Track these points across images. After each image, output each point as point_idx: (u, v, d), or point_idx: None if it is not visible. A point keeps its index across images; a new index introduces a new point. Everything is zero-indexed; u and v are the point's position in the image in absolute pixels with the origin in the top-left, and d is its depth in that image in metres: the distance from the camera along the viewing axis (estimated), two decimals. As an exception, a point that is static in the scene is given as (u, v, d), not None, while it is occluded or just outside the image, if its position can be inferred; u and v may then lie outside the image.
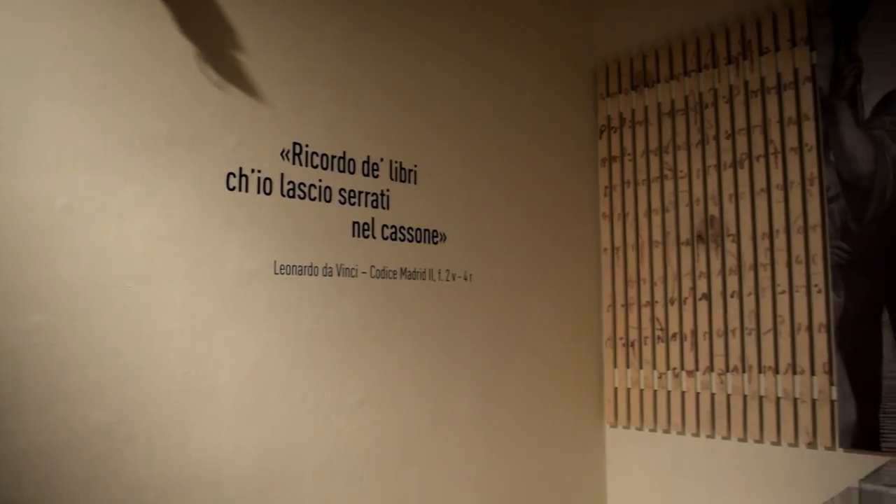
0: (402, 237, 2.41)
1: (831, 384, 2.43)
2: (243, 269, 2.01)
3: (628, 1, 3.17)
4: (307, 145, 2.18)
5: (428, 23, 2.59)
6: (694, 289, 2.81)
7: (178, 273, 1.88)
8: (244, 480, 1.95)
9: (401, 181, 2.43)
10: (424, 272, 2.47)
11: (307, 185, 2.17)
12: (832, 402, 2.43)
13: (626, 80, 3.10)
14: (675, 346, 2.85)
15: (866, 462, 2.27)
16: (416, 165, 2.47)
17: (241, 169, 2.02)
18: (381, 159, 2.37)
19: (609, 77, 3.17)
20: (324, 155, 2.22)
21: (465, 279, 2.60)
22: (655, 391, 2.90)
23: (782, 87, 2.63)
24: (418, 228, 2.46)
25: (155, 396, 1.80)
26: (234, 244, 1.99)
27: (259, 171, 2.06)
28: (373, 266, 2.32)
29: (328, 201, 2.22)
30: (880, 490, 1.98)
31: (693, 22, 2.93)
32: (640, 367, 2.95)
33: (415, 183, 2.47)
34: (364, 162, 2.32)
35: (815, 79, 2.55)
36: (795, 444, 2.52)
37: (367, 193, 2.32)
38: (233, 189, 2.00)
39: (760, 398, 2.60)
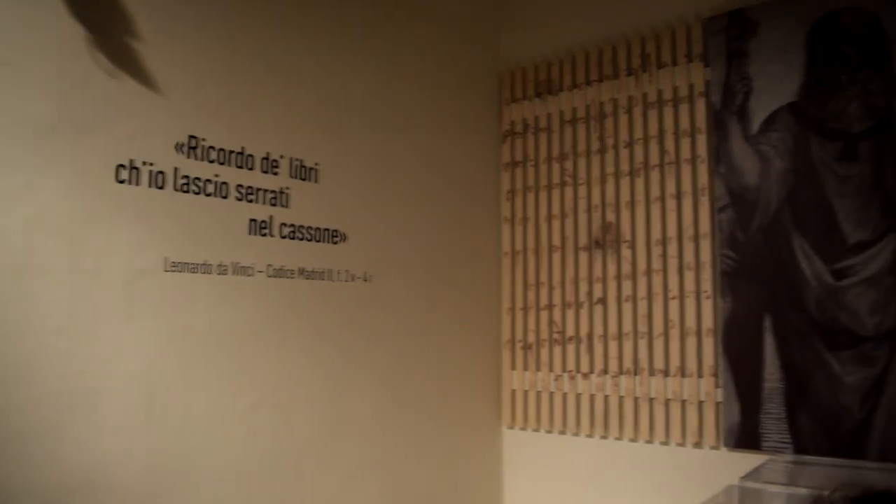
0: (301, 236, 2.35)
1: (717, 386, 2.52)
2: (132, 265, 1.91)
3: (534, 10, 3.21)
4: (204, 139, 2.10)
5: (334, 19, 2.54)
6: (590, 293, 2.87)
7: (60, 269, 1.76)
8: (129, 488, 1.85)
9: (301, 179, 2.37)
10: (323, 272, 2.42)
11: (203, 180, 2.09)
12: (717, 404, 2.52)
13: (530, 87, 3.14)
14: (571, 348, 2.90)
15: (748, 461, 2.35)
16: (317, 164, 2.42)
17: (131, 161, 1.92)
18: (282, 156, 2.31)
19: (514, 83, 3.19)
20: (221, 150, 2.14)
21: (365, 280, 2.57)
22: (552, 393, 2.94)
23: (678, 101, 2.72)
24: (318, 228, 2.41)
25: (30, 400, 1.69)
26: (123, 240, 1.89)
27: (151, 165, 1.96)
28: (270, 265, 2.25)
29: (224, 198, 2.14)
30: (760, 487, 2.08)
31: (596, 34, 2.98)
32: (538, 370, 2.98)
33: (316, 181, 2.42)
34: (263, 158, 2.25)
35: (708, 94, 2.64)
36: (683, 444, 2.60)
37: (265, 191, 2.25)
38: (122, 182, 1.90)
39: (651, 400, 2.67)
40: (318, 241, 2.41)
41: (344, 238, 2.50)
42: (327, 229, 2.44)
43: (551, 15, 3.15)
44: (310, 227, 2.39)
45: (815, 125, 2.41)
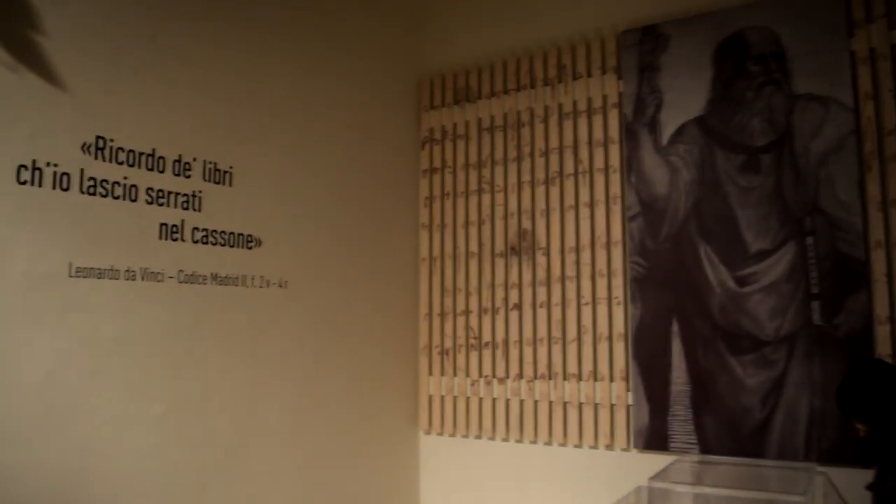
0: (213, 241, 2.29)
1: (628, 390, 2.59)
2: (34, 270, 1.81)
3: (454, 18, 3.23)
4: (112, 140, 2.01)
5: (252, 21, 2.49)
6: (506, 299, 2.90)
7: (-46, 274, 1.68)
8: (27, 503, 1.78)
9: (215, 182, 2.31)
10: (237, 278, 2.36)
11: (111, 182, 2.00)
12: (628, 407, 2.59)
13: (449, 94, 3.15)
14: (487, 354, 2.92)
15: (657, 461, 2.43)
16: (231, 167, 2.36)
17: (34, 162, 1.82)
18: (194, 159, 2.25)
19: (433, 90, 3.21)
20: (130, 151, 2.06)
21: (280, 286, 2.52)
22: (468, 398, 2.96)
23: (592, 112, 2.78)
24: (232, 232, 2.35)
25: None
26: (24, 243, 1.79)
27: (56, 166, 1.87)
28: (181, 271, 2.18)
29: (134, 201, 2.06)
30: (667, 487, 2.14)
31: (514, 44, 3.03)
32: (454, 375, 3.00)
33: (230, 185, 2.36)
34: (175, 161, 2.18)
35: (621, 106, 2.72)
36: (596, 447, 2.66)
37: (177, 194, 2.18)
38: (24, 183, 1.80)
39: (565, 404, 2.72)
40: (232, 245, 2.36)
41: (259, 243, 2.45)
42: (241, 234, 2.39)
43: (471, 24, 3.18)
44: (223, 232, 2.33)
45: (721, 138, 2.51)
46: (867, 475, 1.96)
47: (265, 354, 2.46)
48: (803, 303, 2.32)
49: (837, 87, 2.34)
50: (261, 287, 2.45)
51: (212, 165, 2.31)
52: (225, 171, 2.35)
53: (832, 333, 2.27)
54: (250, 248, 2.42)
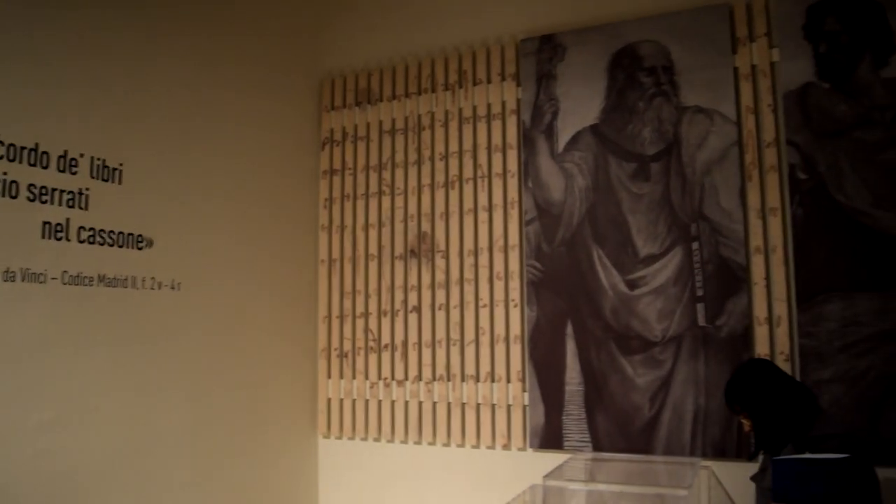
0: (101, 241, 2.17)
1: (524, 391, 2.63)
2: None
3: (357, 19, 3.19)
4: (-10, 132, 1.91)
5: (146, 13, 2.38)
6: (405, 301, 2.89)
7: None
8: None
9: (103, 180, 2.19)
10: (126, 279, 2.24)
11: (-12, 177, 1.90)
12: (524, 407, 2.63)
13: (350, 95, 3.12)
14: (386, 356, 2.90)
15: (553, 460, 2.46)
16: (121, 164, 2.25)
17: None
18: (81, 155, 2.12)
19: (334, 91, 3.16)
20: (11, 145, 1.92)
21: (173, 288, 2.42)
22: (367, 401, 2.93)
23: (491, 117, 2.82)
24: (121, 232, 2.24)
25: None
26: None
27: (-76, 158, 1.77)
28: (65, 272, 2.05)
29: (14, 197, 1.92)
30: (561, 485, 2.19)
31: (416, 48, 3.02)
32: (353, 378, 2.96)
33: (119, 183, 2.24)
34: (60, 157, 2.06)
35: (519, 112, 2.76)
36: (493, 447, 2.68)
37: (61, 191, 2.06)
38: None
39: (463, 405, 2.74)
40: (121, 246, 2.24)
41: (150, 243, 2.34)
42: (131, 234, 2.27)
43: (374, 26, 3.15)
44: (112, 232, 2.21)
45: (614, 147, 2.58)
46: (749, 468, 2.08)
47: (157, 359, 2.35)
48: (689, 305, 2.42)
49: (722, 100, 2.46)
50: (152, 289, 2.35)
51: (100, 162, 2.19)
52: (114, 169, 2.24)
53: (715, 334, 2.38)
54: (141, 249, 2.32)
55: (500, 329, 2.71)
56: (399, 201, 2.96)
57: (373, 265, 2.99)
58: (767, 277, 2.35)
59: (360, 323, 2.99)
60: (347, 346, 3.01)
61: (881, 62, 2.27)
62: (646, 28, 2.59)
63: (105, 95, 2.24)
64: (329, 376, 3.04)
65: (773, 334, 2.33)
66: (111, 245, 2.22)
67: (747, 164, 2.41)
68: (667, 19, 2.56)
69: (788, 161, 2.35)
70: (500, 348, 2.70)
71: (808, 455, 1.69)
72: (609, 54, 2.63)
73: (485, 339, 2.73)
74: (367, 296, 2.98)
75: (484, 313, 2.74)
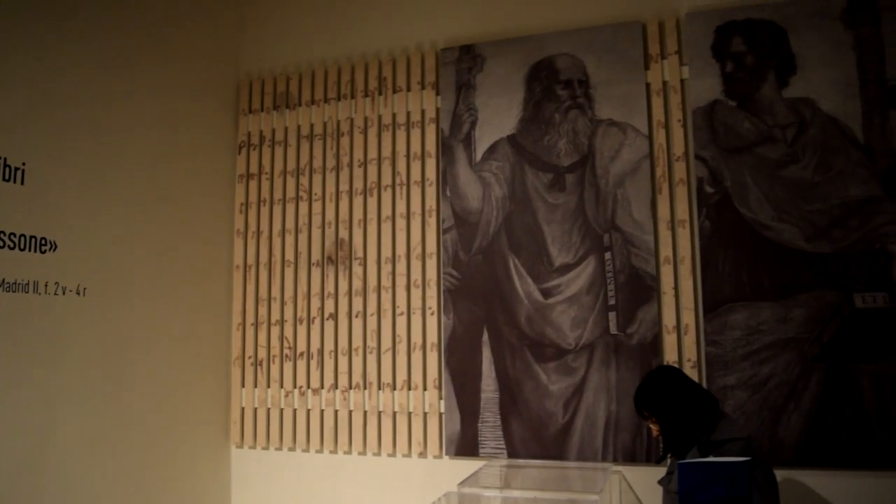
0: (1, 244, 2.05)
1: (440, 398, 2.63)
2: None
3: (277, 21, 3.14)
4: None
5: (55, 8, 2.27)
6: (322, 308, 2.84)
7: None
8: None
9: (3, 180, 2.07)
10: (28, 284, 2.12)
11: None
12: (441, 415, 2.62)
13: (269, 98, 3.06)
14: (302, 364, 2.85)
15: (470, 467, 2.47)
16: (24, 163, 2.13)
17: None
18: (-22, 152, 2.02)
19: (252, 94, 3.10)
20: None
21: (79, 293, 2.31)
22: (282, 410, 2.87)
23: (410, 125, 2.81)
24: (22, 234, 2.12)
25: None
26: None
27: None
28: (-41, 276, 1.97)
29: None
30: (476, 492, 2.21)
31: (337, 53, 2.99)
32: (268, 387, 2.90)
33: (21, 183, 2.12)
34: (-46, 154, 1.97)
35: (438, 121, 2.76)
36: (409, 455, 2.66)
37: (-45, 190, 1.97)
38: None
39: (379, 413, 2.71)
40: (23, 249, 2.11)
41: (53, 247, 2.22)
42: (34, 237, 2.15)
43: (294, 29, 3.10)
44: (12, 234, 2.08)
45: (530, 157, 2.61)
46: (658, 472, 2.13)
47: (61, 367, 2.23)
48: (601, 313, 2.47)
49: (634, 115, 2.52)
50: (56, 294, 2.24)
51: (0, 161, 2.11)
52: (16, 168, 2.11)
53: (626, 342, 2.43)
54: (44, 252, 2.20)
55: (416, 337, 2.69)
56: (317, 207, 2.91)
57: (289, 272, 2.93)
58: (676, 287, 2.41)
59: (275, 330, 2.93)
60: (262, 354, 2.94)
61: (783, 83, 2.37)
62: (563, 42, 2.63)
63: (7, 92, 2.11)
64: (243, 385, 2.96)
65: (681, 342, 2.39)
66: (12, 248, 2.09)
67: (658, 177, 2.47)
68: (583, 34, 2.61)
69: (696, 175, 2.42)
70: (416, 356, 2.69)
71: (711, 458, 1.75)
72: (527, 66, 2.67)
73: (401, 347, 2.71)
74: (282, 303, 2.93)
75: (401, 321, 2.72)
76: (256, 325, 2.96)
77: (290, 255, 2.94)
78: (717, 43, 2.46)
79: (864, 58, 2.32)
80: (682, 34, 2.52)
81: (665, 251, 2.45)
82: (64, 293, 2.28)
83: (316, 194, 2.93)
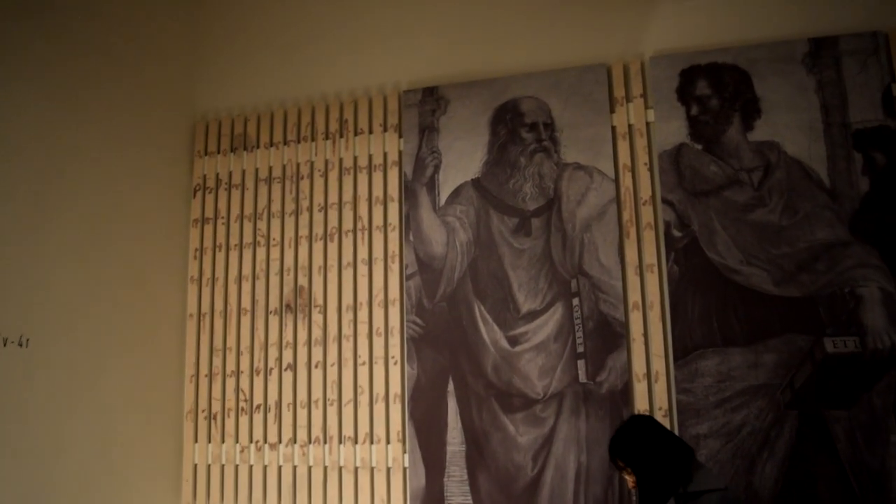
0: None
1: (404, 452, 2.55)
2: None
3: (234, 60, 3.11)
4: None
5: (3, 47, 2.23)
6: (280, 359, 2.76)
7: None
8: None
9: None
10: None
11: None
12: (405, 470, 2.53)
13: (225, 140, 3.01)
14: (258, 418, 2.75)
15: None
16: None
17: None
18: None
19: (208, 135, 3.04)
20: None
21: (20, 345, 2.20)
22: (237, 466, 2.75)
23: (372, 168, 2.77)
24: (-42, 284, 2.03)
25: None
26: None
27: None
28: None
29: None
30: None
31: (296, 93, 2.97)
32: (223, 442, 2.78)
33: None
34: None
35: (401, 164, 2.74)
36: (371, 513, 2.55)
37: None
38: None
39: (340, 468, 2.62)
40: None
41: (-9, 297, 2.13)
42: None
43: (252, 68, 3.07)
44: None
45: (495, 201, 2.60)
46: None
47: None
48: (570, 361, 2.43)
49: (600, 158, 2.52)
50: (-5, 346, 2.16)
51: (-66, 209, 2.01)
52: (-48, 215, 2.06)
53: (596, 390, 2.38)
54: (-18, 303, 2.13)
55: (379, 388, 2.62)
56: (275, 253, 2.85)
57: (245, 320, 2.85)
58: (646, 333, 2.39)
59: (230, 382, 2.83)
60: (216, 407, 2.84)
61: (748, 126, 2.40)
62: (528, 84, 2.64)
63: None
64: (196, 440, 2.84)
65: (652, 390, 2.36)
66: (-54, 298, 2.02)
67: (625, 221, 2.47)
68: (548, 76, 2.63)
69: (664, 219, 2.43)
70: (379, 408, 2.61)
71: (688, 511, 1.72)
72: (492, 109, 2.67)
73: (363, 399, 2.63)
74: (238, 353, 2.83)
75: (363, 371, 2.65)
76: (211, 376, 2.87)
77: (246, 303, 2.86)
78: (681, 86, 2.48)
79: (827, 101, 2.35)
80: (646, 77, 2.55)
81: (634, 297, 2.43)
82: (5, 344, 2.17)
83: (274, 239, 2.86)
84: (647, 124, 2.53)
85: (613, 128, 2.56)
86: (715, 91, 2.45)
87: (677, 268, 2.39)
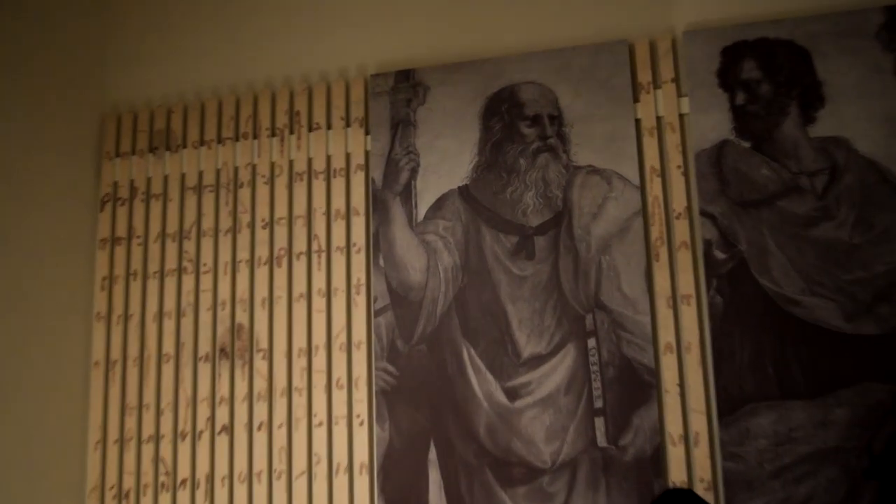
0: None
1: (372, 539, 2.47)
2: None
3: (155, 37, 3.10)
4: None
5: None
6: (213, 419, 2.72)
7: None
8: None
9: None
10: None
11: None
12: (373, 564, 2.46)
13: (143, 138, 2.98)
14: (184, 495, 2.70)
15: None
16: None
17: None
18: None
19: (121, 132, 3.01)
20: None
21: None
22: (155, 560, 2.67)
23: (332, 174, 2.75)
24: None
25: None
26: None
27: None
28: None
29: None
30: None
31: (235, 78, 2.95)
32: (136, 528, 2.71)
33: None
34: None
35: (368, 168, 2.72)
36: None
37: None
38: None
39: (289, 562, 2.54)
40: None
41: None
42: None
43: (178, 47, 3.05)
44: None
45: (489, 215, 2.58)
46: None
47: None
48: (585, 420, 2.40)
49: (621, 160, 2.51)
50: None
51: None
52: None
53: (619, 457, 2.35)
54: None
55: (340, 455, 2.58)
56: (206, 282, 2.82)
57: (167, 369, 2.80)
58: (682, 383, 2.36)
59: (147, 450, 2.77)
60: (129, 482, 2.76)
61: (809, 118, 2.39)
62: (529, 67, 2.64)
63: None
64: (104, 528, 2.77)
65: (691, 456, 2.33)
66: None
67: (654, 240, 2.45)
68: (555, 57, 2.62)
69: (703, 236, 2.41)
70: (340, 481, 2.57)
71: None
72: (483, 98, 2.66)
73: (320, 470, 2.59)
74: (158, 412, 2.78)
75: (319, 434, 2.61)
76: (122, 442, 2.81)
77: (168, 347, 2.82)
78: (724, 68, 2.48)
79: (909, 86, 2.33)
80: (679, 57, 2.54)
81: (666, 336, 2.41)
82: None
83: (205, 265, 2.83)
84: (681, 116, 2.52)
85: (638, 121, 2.55)
86: (766, 74, 2.45)
87: (721, 299, 2.37)
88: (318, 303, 2.71)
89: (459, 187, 2.65)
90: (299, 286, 2.74)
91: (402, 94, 2.74)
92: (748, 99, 2.46)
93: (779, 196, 2.39)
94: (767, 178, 2.41)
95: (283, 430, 2.67)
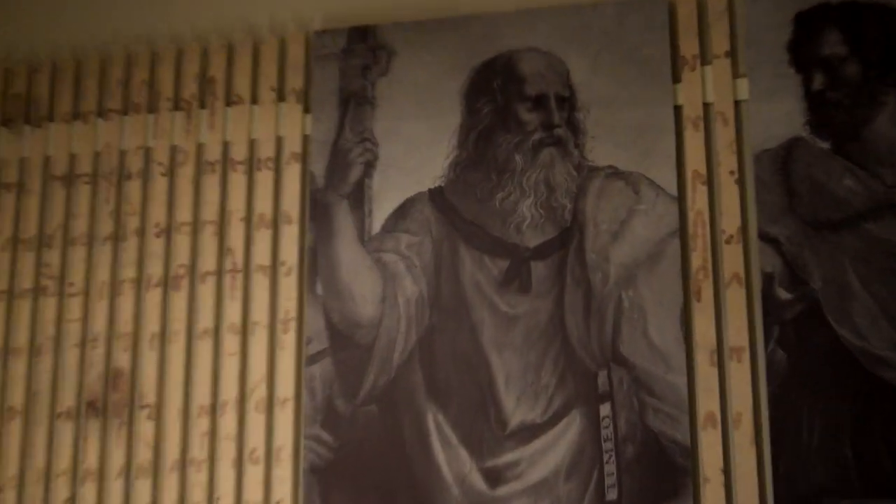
0: None
1: None
2: None
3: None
4: None
5: None
6: (73, 501, 2.62)
7: None
8: None
9: None
10: None
11: None
12: None
13: (-4, 107, 2.86)
14: None
15: None
16: None
17: None
18: None
19: (-36, 100, 2.88)
20: None
21: None
22: None
23: (255, 164, 2.69)
24: None
25: None
26: None
27: None
28: None
29: None
30: None
31: (124, 30, 2.90)
32: None
33: None
34: None
35: (306, 159, 2.65)
36: None
37: None
38: None
39: None
40: None
41: None
42: None
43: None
44: None
45: (470, 229, 2.52)
46: None
47: None
48: (595, 516, 2.29)
49: (654, 159, 2.45)
50: None
51: None
52: None
53: (640, 568, 2.26)
54: None
55: (253, 559, 2.46)
56: (73, 309, 2.72)
57: (13, 429, 2.70)
58: (727, 470, 2.29)
59: (-18, 547, 2.63)
60: None
61: (912, 109, 2.31)
62: (531, 29, 2.59)
63: None
64: None
65: (739, 570, 2.23)
66: None
67: (695, 271, 2.38)
68: (566, 16, 2.57)
69: (762, 268, 2.34)
70: None
71: None
72: (468, 69, 2.60)
73: (223, 578, 2.47)
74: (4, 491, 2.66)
75: (223, 528, 2.49)
76: (-52, 535, 2.68)
77: (16, 400, 2.71)
78: (797, 40, 2.42)
79: None
80: (737, 23, 2.48)
81: (708, 404, 2.33)
82: None
83: (73, 284, 2.73)
84: (737, 104, 2.46)
85: (678, 108, 2.48)
86: (855, 50, 2.39)
87: (784, 354, 2.31)
88: (230, 343, 2.64)
89: (431, 190, 2.60)
90: (204, 319, 2.67)
91: (356, 58, 2.69)
92: (829, 83, 2.40)
93: (867, 216, 2.33)
94: (852, 191, 2.35)
95: (171, 519, 2.54)
